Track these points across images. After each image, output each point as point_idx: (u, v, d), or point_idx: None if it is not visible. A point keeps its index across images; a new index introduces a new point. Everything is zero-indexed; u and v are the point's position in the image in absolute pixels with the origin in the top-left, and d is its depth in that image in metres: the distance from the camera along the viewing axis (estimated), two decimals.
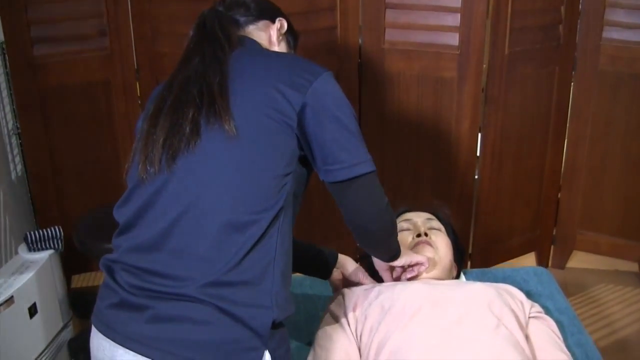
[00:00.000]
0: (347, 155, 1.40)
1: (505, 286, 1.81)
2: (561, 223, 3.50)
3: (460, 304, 1.62)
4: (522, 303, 1.75)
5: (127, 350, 1.29)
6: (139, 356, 1.28)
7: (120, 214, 1.42)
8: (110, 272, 1.39)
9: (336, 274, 1.90)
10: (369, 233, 1.54)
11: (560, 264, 3.57)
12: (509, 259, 3.46)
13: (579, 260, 3.60)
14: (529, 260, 3.57)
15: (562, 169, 3.41)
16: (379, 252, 1.71)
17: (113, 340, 1.31)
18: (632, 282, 3.37)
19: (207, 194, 1.33)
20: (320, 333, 1.75)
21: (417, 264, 1.80)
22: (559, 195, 3.46)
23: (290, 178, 1.40)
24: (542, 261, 3.57)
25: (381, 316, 1.65)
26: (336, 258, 1.90)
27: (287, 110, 1.37)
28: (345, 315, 1.74)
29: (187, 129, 1.35)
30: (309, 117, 1.38)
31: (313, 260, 1.86)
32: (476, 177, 3.18)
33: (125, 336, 1.30)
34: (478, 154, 3.15)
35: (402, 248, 1.72)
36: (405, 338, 1.56)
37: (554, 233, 3.53)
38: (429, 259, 1.84)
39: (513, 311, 1.66)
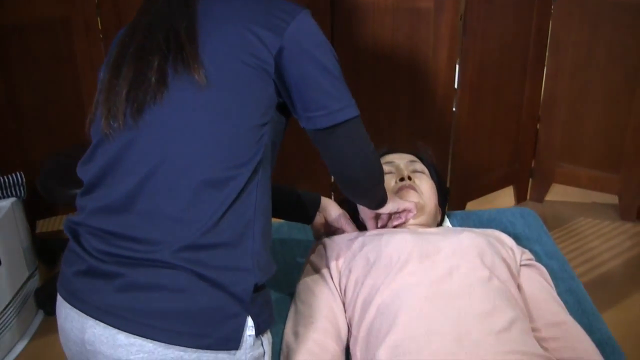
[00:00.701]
0: (330, 100, 1.31)
1: (494, 232, 1.74)
2: (540, 156, 3.44)
3: (450, 255, 1.55)
4: (512, 250, 1.68)
5: (98, 321, 1.20)
6: (110, 328, 1.19)
7: (84, 172, 1.32)
8: (76, 236, 1.29)
9: (318, 219, 1.82)
10: (356, 182, 1.46)
11: (539, 198, 3.53)
12: (487, 193, 3.41)
13: (557, 194, 3.56)
14: (507, 194, 3.53)
15: (541, 100, 3.34)
16: (365, 201, 1.63)
17: (81, 310, 1.22)
18: (611, 215, 3.34)
19: (179, 150, 1.23)
20: (301, 287, 1.67)
21: (404, 210, 1.73)
22: (538, 127, 3.40)
23: (268, 128, 1.30)
24: (520, 195, 3.53)
25: (366, 269, 1.57)
26: (319, 202, 1.81)
27: (263, 54, 1.26)
28: (328, 268, 1.66)
29: (153, 79, 1.24)
30: (288, 61, 1.28)
31: (295, 205, 1.77)
32: (454, 109, 3.10)
33: (94, 306, 1.20)
34: (456, 86, 3.06)
35: (387, 194, 1.65)
36: (393, 293, 1.48)
37: (533, 166, 3.48)
38: (415, 204, 1.77)
39: (504, 260, 1.59)
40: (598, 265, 2.93)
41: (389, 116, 3.12)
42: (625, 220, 3.29)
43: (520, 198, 3.54)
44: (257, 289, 1.26)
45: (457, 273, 1.50)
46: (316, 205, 1.81)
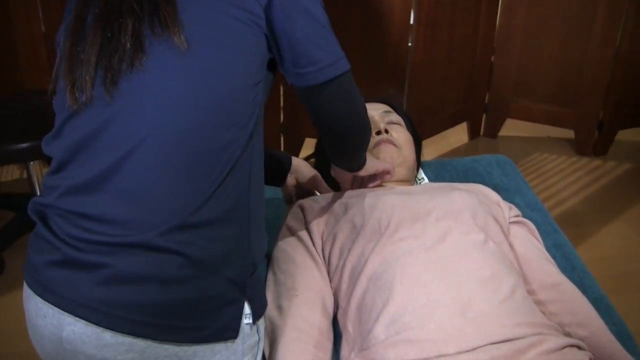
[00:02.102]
0: (322, 53, 1.22)
1: (479, 188, 1.67)
2: (494, 91, 3.40)
3: (441, 217, 1.47)
4: (500, 207, 1.61)
5: (77, 318, 1.09)
6: (94, 326, 1.08)
7: (53, 149, 1.18)
8: (44, 219, 1.16)
9: (290, 180, 1.73)
10: (343, 141, 1.38)
11: (492, 133, 3.50)
12: (441, 131, 3.37)
13: (511, 129, 3.53)
14: (460, 130, 3.49)
15: (496, 33, 3.28)
16: (349, 162, 1.54)
17: (57, 306, 1.10)
18: (567, 150, 3.33)
19: (166, 121, 1.11)
20: (279, 254, 1.57)
21: (383, 172, 1.65)
22: (493, 60, 3.35)
23: (261, 87, 1.21)
24: (473, 131, 3.50)
25: (353, 236, 1.48)
26: (290, 162, 1.72)
27: (253, 8, 1.16)
28: (309, 233, 1.57)
29: (128, 44, 1.11)
30: (277, 12, 1.18)
31: (266, 165, 1.69)
32: (410, 44, 3.02)
33: (73, 302, 1.09)
34: (412, 21, 2.98)
35: None
36: (384, 261, 1.40)
37: (487, 102, 3.44)
38: (392, 157, 1.69)
39: (496, 220, 1.53)
40: (561, 202, 2.91)
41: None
42: (581, 155, 3.29)
43: (473, 134, 3.51)
44: (253, 269, 1.18)
45: (451, 237, 1.43)
46: (287, 166, 1.72)
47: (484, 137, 3.52)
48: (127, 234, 1.09)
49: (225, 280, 1.13)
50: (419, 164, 1.90)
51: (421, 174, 1.97)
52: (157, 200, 1.10)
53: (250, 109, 1.18)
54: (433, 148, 3.37)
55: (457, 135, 3.49)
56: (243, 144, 1.17)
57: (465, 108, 3.41)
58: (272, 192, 1.92)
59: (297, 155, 1.87)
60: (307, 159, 1.83)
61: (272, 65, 1.26)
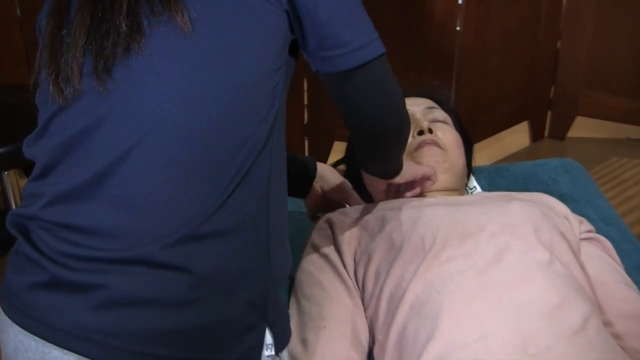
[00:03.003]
0: (352, 34, 1.24)
1: (542, 197, 1.68)
2: (560, 83, 3.41)
3: (497, 232, 1.48)
4: (568, 221, 1.62)
5: (66, 351, 1.11)
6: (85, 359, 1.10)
7: (36, 151, 1.21)
8: (25, 233, 1.18)
9: (315, 190, 1.76)
10: (376, 140, 1.41)
11: (560, 134, 3.51)
12: (497, 132, 3.39)
13: (582, 128, 3.54)
14: (520, 131, 3.50)
15: (562, 13, 3.30)
16: (380, 166, 1.56)
17: (42, 336, 1.12)
18: None
19: (171, 114, 1.14)
20: (303, 277, 1.59)
21: (422, 178, 1.67)
22: (558, 46, 3.36)
23: (282, 73, 1.23)
24: (537, 132, 3.51)
25: (392, 255, 1.50)
26: (316, 168, 1.75)
27: None
28: (339, 253, 1.58)
29: (123, 25, 1.14)
30: None
31: (288, 173, 1.71)
32: (458, 28, 3.05)
33: (62, 331, 1.10)
34: (460, 1, 3.01)
35: None
36: (429, 285, 1.41)
37: (552, 96, 3.45)
38: (437, 162, 1.71)
39: (563, 236, 1.54)
40: None
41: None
42: None
43: (536, 135, 3.52)
44: (276, 290, 1.22)
45: (509, 256, 1.44)
46: (312, 173, 1.74)
47: (549, 138, 3.54)
48: (125, 248, 1.11)
49: (242, 302, 1.15)
50: (470, 170, 1.92)
51: (472, 182, 1.98)
52: (161, 207, 1.13)
53: (269, 100, 1.20)
54: (487, 152, 3.38)
55: (517, 137, 3.50)
56: (261, 141, 1.19)
57: (525, 104, 3.42)
58: (293, 204, 1.94)
59: (324, 162, 1.89)
60: (335, 164, 1.85)
61: (293, 49, 1.29)
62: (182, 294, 1.11)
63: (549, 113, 3.50)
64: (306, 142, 3.23)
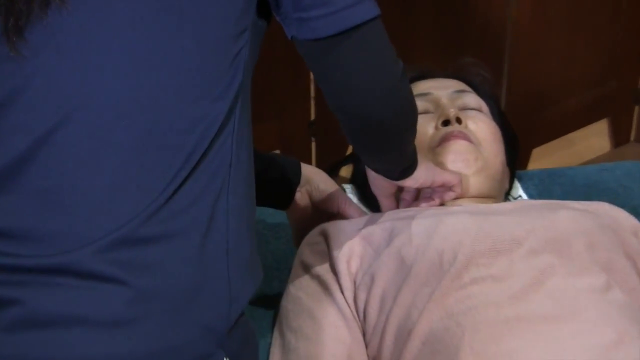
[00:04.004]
0: None
1: (603, 207, 1.68)
2: None
3: (538, 248, 1.49)
4: (638, 239, 1.65)
5: None
6: None
7: None
8: None
9: (300, 199, 1.78)
10: (369, 127, 1.42)
11: None
12: (565, 133, 3.38)
13: None
14: (597, 132, 3.50)
15: None
16: (385, 161, 1.57)
17: None
18: None
19: (104, 85, 1.17)
20: (289, 305, 1.61)
21: (442, 186, 1.69)
22: None
23: (245, 39, 1.26)
24: (619, 134, 3.50)
25: (401, 275, 1.51)
26: (299, 170, 1.77)
27: None
28: (335, 274, 1.59)
29: None
30: None
31: (263, 176, 1.73)
32: None
33: None
34: None
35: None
36: (447, 315, 1.43)
37: None
38: (466, 160, 1.73)
39: (628, 257, 1.54)
40: None
41: (408, 13, 3.09)
42: None
43: (619, 139, 3.51)
44: (237, 313, 1.24)
45: (553, 280, 1.46)
46: (296, 178, 1.77)
47: (636, 142, 3.52)
48: (46, 254, 1.14)
49: (194, 324, 1.18)
50: (513, 173, 1.93)
51: (517, 189, 2.00)
52: (91, 202, 1.16)
53: (228, 72, 1.23)
54: (551, 159, 3.38)
55: (592, 140, 3.49)
56: (216, 124, 1.22)
57: (604, 97, 3.40)
58: (281, 214, 1.97)
59: (335, 167, 1.89)
60: (337, 165, 1.87)
61: (263, 9, 1.31)
62: (117, 312, 1.14)
63: (636, 109, 3.49)
64: (313, 143, 3.23)
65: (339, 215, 1.78)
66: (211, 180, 1.22)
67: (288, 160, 1.77)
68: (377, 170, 1.60)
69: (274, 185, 1.75)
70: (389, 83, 1.37)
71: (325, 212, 1.79)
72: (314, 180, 1.78)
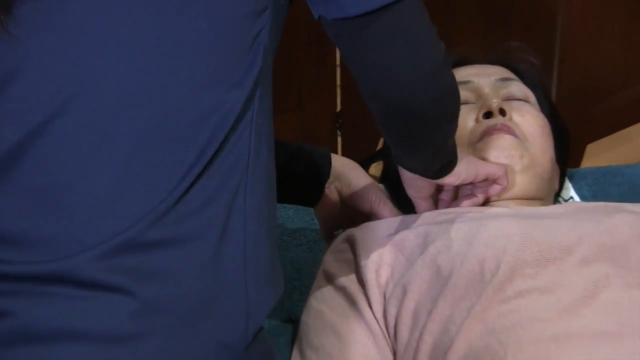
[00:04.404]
0: None
1: None
2: None
3: (592, 257, 1.48)
4: None
5: None
6: None
7: None
8: None
9: (330, 195, 1.78)
10: (410, 116, 1.42)
11: None
12: (624, 127, 3.38)
13: None
14: None
15: None
16: (422, 157, 1.58)
17: None
18: None
19: (107, 70, 1.17)
20: (310, 320, 1.61)
21: (486, 180, 1.69)
22: None
23: (267, 18, 1.26)
24: None
25: (437, 288, 1.51)
26: (329, 163, 1.77)
27: None
28: (362, 286, 1.59)
29: None
30: None
31: (288, 170, 1.72)
32: None
33: None
34: None
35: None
36: (488, 331, 1.43)
37: None
38: (511, 156, 1.73)
39: None
40: None
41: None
42: None
43: None
44: (255, 328, 1.24)
45: (607, 293, 1.45)
46: (324, 170, 1.77)
47: None
48: (42, 260, 1.15)
49: (208, 340, 1.18)
50: (564, 172, 1.93)
51: (569, 190, 1.99)
52: (92, 202, 1.16)
53: (246, 56, 1.23)
54: (607, 156, 3.37)
55: None
56: (233, 114, 1.22)
57: None
58: (302, 218, 1.97)
59: (363, 165, 1.88)
60: (368, 161, 1.87)
61: None
62: (121, 325, 1.14)
63: None
64: (338, 137, 3.23)
65: (371, 216, 1.78)
66: (227, 177, 1.22)
67: (317, 150, 1.78)
68: (413, 169, 1.60)
69: (300, 179, 1.76)
70: (429, 67, 1.37)
71: (357, 210, 1.79)
72: (347, 175, 1.79)
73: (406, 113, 1.41)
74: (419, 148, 1.53)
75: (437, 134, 1.50)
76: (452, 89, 1.44)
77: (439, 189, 1.70)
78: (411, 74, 1.36)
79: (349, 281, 1.64)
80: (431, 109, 1.42)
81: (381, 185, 1.89)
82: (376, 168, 1.97)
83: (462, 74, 1.87)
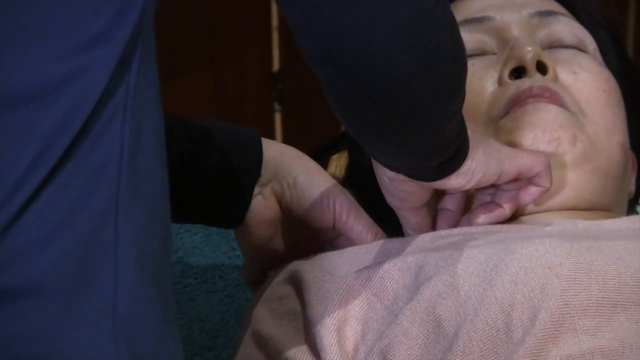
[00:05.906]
0: None
1: None
2: None
3: None
4: None
5: None
6: None
7: None
8: None
9: (263, 205, 1.79)
10: (386, 90, 1.45)
11: None
12: None
13: None
14: None
15: None
16: (403, 151, 1.57)
17: None
18: None
19: None
20: None
21: (516, 180, 1.69)
22: None
23: None
24: None
25: (436, 355, 1.53)
26: (260, 151, 1.77)
27: None
28: (315, 354, 1.61)
29: None
30: None
31: (195, 166, 1.72)
32: None
33: None
34: None
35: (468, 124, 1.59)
36: None
37: None
38: (557, 139, 1.74)
39: None
40: None
41: None
42: None
43: None
44: None
45: None
46: (252, 165, 1.78)
47: None
48: None
49: None
50: None
51: None
52: None
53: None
54: None
55: None
56: (100, 87, 1.22)
57: None
58: (216, 248, 1.98)
59: (319, 153, 1.84)
60: (324, 151, 1.87)
61: None
62: None
63: None
64: (277, 112, 3.25)
65: (335, 235, 1.81)
66: (87, 189, 1.23)
67: (239, 132, 1.79)
68: (395, 167, 1.58)
69: (212, 183, 1.77)
70: (414, 10, 1.38)
71: (310, 228, 1.80)
72: (289, 170, 1.81)
73: (376, 84, 1.42)
74: (402, 138, 1.54)
75: (431, 114, 1.50)
76: (453, 41, 1.44)
77: (439, 195, 1.68)
78: (386, 23, 1.38)
79: (294, 349, 1.63)
80: (418, 77, 1.44)
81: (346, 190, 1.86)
82: (338, 162, 1.95)
83: (474, 6, 1.87)
